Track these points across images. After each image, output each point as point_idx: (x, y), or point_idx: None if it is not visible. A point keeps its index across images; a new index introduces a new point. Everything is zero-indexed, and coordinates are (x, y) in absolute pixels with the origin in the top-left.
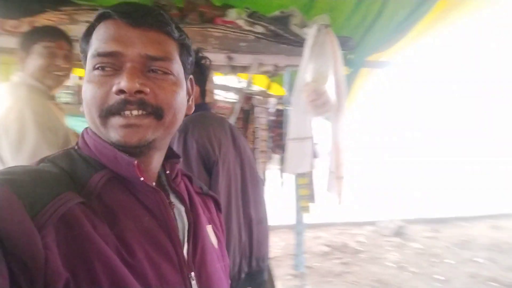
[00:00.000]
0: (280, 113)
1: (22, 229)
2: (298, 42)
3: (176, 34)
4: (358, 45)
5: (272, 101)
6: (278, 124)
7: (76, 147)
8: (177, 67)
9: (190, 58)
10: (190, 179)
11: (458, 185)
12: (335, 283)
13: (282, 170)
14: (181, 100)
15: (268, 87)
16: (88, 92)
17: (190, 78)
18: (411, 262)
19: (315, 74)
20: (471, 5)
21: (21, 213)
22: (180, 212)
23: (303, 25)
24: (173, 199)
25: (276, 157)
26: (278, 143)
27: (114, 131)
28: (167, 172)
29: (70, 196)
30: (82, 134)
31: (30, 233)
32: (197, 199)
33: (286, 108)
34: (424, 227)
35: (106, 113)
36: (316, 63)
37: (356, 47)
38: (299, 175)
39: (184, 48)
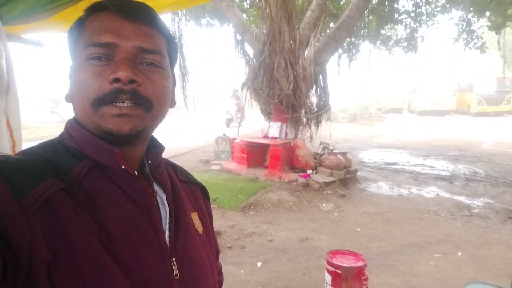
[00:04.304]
0: None
1: (8, 211)
2: None
3: (166, 31)
4: None
5: None
6: None
7: (60, 138)
8: (166, 61)
9: (176, 55)
10: (174, 169)
11: None
12: None
13: None
14: (168, 94)
15: None
16: (82, 81)
17: (173, 74)
18: None
19: None
20: None
21: (7, 196)
22: (162, 200)
23: None
24: (156, 187)
25: None
26: None
27: (106, 120)
28: (149, 161)
29: (54, 182)
30: (66, 125)
31: (16, 216)
32: (181, 188)
33: None
34: None
35: (99, 102)
36: None
37: None
38: None
39: (171, 44)
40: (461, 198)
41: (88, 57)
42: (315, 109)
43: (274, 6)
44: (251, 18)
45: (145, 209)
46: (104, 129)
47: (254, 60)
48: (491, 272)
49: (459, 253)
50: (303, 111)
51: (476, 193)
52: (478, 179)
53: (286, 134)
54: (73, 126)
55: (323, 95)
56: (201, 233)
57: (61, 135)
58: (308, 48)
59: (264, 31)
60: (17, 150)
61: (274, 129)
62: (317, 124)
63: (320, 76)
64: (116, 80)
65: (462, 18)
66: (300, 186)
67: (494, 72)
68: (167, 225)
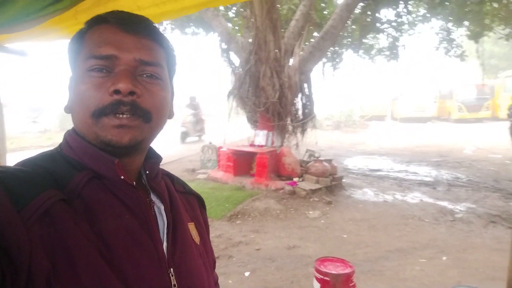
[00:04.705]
0: None
1: (8, 221)
2: None
3: (165, 43)
4: None
5: None
6: None
7: (59, 149)
8: (165, 73)
9: (175, 67)
10: (171, 179)
11: None
12: None
13: None
14: (167, 105)
15: None
16: (83, 92)
17: (172, 85)
18: None
19: None
20: None
21: (8, 206)
22: (160, 210)
23: None
24: (153, 198)
25: None
26: None
27: (106, 131)
28: (147, 172)
29: (54, 193)
30: (65, 136)
31: (16, 226)
32: (178, 198)
33: None
34: None
35: (100, 113)
36: None
37: None
38: None
39: (170, 56)
40: (444, 203)
41: (89, 69)
42: (301, 117)
43: (259, 15)
44: (237, 28)
45: (143, 219)
46: (104, 140)
47: (240, 69)
48: (474, 275)
49: (444, 258)
50: (289, 119)
51: (458, 198)
52: (460, 184)
53: (272, 142)
54: (72, 137)
55: (308, 103)
56: (198, 243)
57: (60, 146)
58: (293, 57)
59: (250, 40)
60: (2, 162)
61: (261, 137)
62: (303, 131)
63: (305, 85)
64: (117, 91)
65: (442, 27)
66: (287, 194)
67: (473, 79)
68: (165, 235)
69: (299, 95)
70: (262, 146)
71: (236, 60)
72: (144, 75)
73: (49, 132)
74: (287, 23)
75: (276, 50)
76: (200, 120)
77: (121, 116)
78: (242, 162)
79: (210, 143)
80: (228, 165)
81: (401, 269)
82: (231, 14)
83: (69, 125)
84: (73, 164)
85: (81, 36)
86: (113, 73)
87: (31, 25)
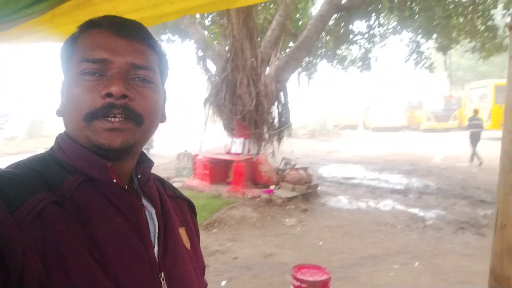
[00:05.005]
0: None
1: (1, 222)
2: None
3: (157, 47)
4: None
5: None
6: None
7: (51, 152)
8: (158, 77)
9: (167, 71)
10: (163, 183)
11: None
12: None
13: None
14: (159, 109)
15: None
16: (75, 96)
17: (164, 89)
18: None
19: None
20: None
21: (0, 207)
22: (151, 214)
23: None
24: (144, 202)
25: None
26: None
27: (98, 134)
28: (139, 176)
29: (46, 195)
30: (57, 139)
31: (9, 227)
32: (169, 203)
33: None
34: None
35: (92, 117)
36: None
37: None
38: None
39: (163, 61)
40: (416, 211)
41: (81, 72)
42: (277, 125)
43: (236, 24)
44: (213, 36)
45: (135, 223)
46: (95, 143)
47: (217, 76)
48: (446, 280)
49: (416, 263)
50: (265, 127)
51: (429, 206)
52: (430, 192)
53: (249, 150)
54: (64, 140)
55: (284, 111)
56: (189, 248)
57: (52, 149)
58: (269, 66)
59: (226, 48)
60: None
61: (237, 145)
62: (279, 140)
63: (281, 93)
64: (109, 95)
65: (411, 40)
66: (263, 201)
67: (441, 91)
68: (156, 240)
69: (276, 104)
70: (238, 154)
71: (213, 68)
72: (137, 79)
73: (17, 139)
74: (263, 32)
75: (253, 59)
76: None
77: (113, 119)
78: (218, 170)
79: (186, 151)
80: (204, 173)
81: (375, 275)
82: (207, 22)
83: (37, 131)
84: (65, 167)
85: (74, 40)
86: (105, 76)
87: (5, 27)
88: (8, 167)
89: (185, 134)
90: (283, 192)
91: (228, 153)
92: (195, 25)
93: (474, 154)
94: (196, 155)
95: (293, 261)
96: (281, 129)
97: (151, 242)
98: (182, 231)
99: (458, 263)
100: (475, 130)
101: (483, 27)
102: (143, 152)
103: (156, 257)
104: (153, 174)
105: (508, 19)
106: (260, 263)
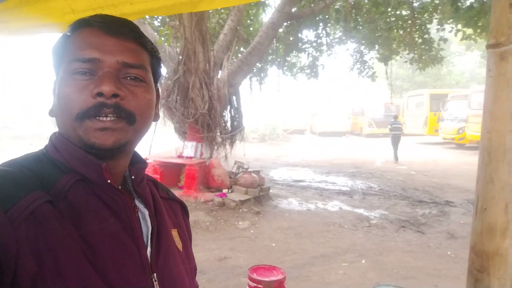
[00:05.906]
0: None
1: None
2: None
3: (149, 46)
4: None
5: None
6: None
7: (44, 151)
8: (149, 76)
9: (160, 69)
10: (155, 184)
11: None
12: None
13: None
14: (152, 108)
15: None
16: (67, 95)
17: (157, 88)
18: None
19: None
20: None
21: None
22: (144, 215)
23: None
24: (137, 203)
25: None
26: None
27: (90, 134)
28: (133, 177)
29: (40, 195)
30: (51, 137)
31: (3, 226)
32: (162, 204)
33: None
34: None
35: (83, 116)
36: None
37: None
38: None
39: (155, 59)
40: (361, 211)
41: (72, 72)
42: (230, 129)
43: (189, 27)
44: (163, 38)
45: (127, 223)
46: (87, 143)
47: (168, 79)
48: (391, 276)
49: (363, 261)
50: (218, 131)
51: (372, 206)
52: (373, 193)
53: (201, 154)
54: (59, 139)
55: (237, 115)
56: (181, 250)
57: (46, 147)
58: (222, 70)
59: (178, 50)
60: None
61: (189, 149)
62: (232, 143)
63: (234, 97)
64: (100, 94)
65: (356, 50)
66: (216, 205)
67: (382, 98)
68: (149, 241)
69: (228, 107)
70: (191, 157)
71: (164, 70)
72: (128, 78)
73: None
74: (215, 36)
75: (206, 62)
76: None
77: (104, 118)
78: (169, 174)
79: None
80: (155, 177)
81: (326, 273)
82: (156, 23)
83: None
84: (59, 166)
85: (65, 40)
86: (96, 76)
87: None
88: (1, 165)
89: None
90: (236, 196)
91: (180, 156)
92: (144, 25)
93: (396, 154)
94: (146, 159)
95: (247, 264)
96: (234, 132)
97: (144, 243)
98: (174, 233)
99: (401, 259)
100: (396, 133)
101: (420, 40)
102: (136, 153)
103: (149, 258)
104: (147, 175)
105: (442, 33)
106: (214, 267)
